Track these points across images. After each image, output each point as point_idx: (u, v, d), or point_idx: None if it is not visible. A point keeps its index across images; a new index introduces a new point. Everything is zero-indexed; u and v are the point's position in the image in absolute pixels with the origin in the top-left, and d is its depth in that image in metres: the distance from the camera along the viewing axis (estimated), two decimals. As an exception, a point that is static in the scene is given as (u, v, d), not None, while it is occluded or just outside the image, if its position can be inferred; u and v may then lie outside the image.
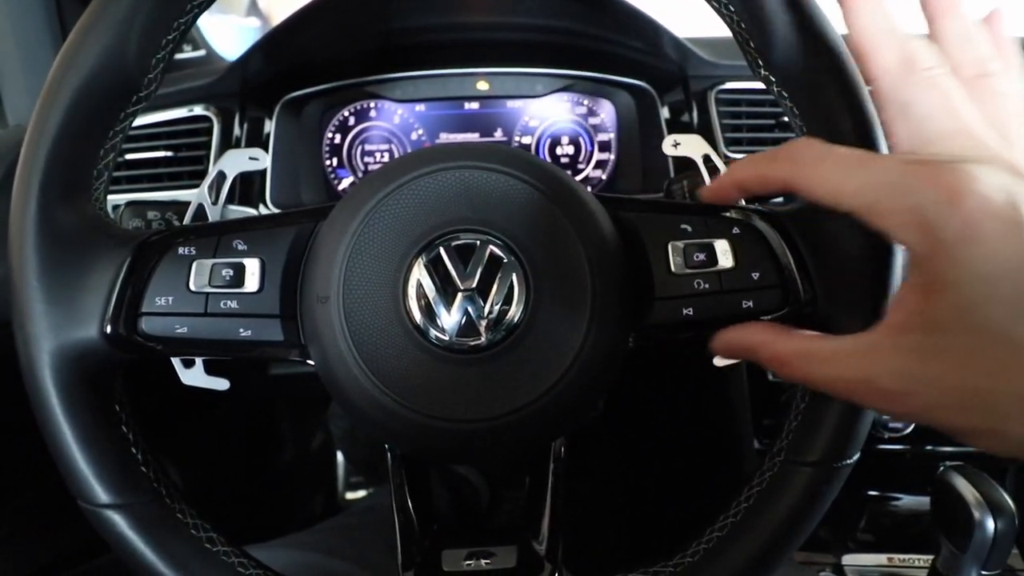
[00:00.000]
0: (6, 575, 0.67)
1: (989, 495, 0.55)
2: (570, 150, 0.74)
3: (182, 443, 0.94)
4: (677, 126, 0.71)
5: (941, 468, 0.61)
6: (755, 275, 0.34)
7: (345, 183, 0.73)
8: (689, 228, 0.35)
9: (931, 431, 0.73)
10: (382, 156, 0.73)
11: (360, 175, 0.73)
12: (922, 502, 0.75)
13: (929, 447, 0.72)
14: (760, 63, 0.35)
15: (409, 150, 0.74)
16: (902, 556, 0.74)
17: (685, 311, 0.34)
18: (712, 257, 0.34)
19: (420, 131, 0.73)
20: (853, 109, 0.33)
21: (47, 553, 0.70)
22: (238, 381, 0.42)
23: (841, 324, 0.34)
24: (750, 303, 0.34)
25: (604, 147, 0.74)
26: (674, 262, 0.35)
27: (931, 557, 0.67)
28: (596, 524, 0.72)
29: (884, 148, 0.34)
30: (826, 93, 0.33)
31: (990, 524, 0.54)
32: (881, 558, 0.74)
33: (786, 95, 0.35)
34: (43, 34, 0.70)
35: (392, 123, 0.73)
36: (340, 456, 1.25)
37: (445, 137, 0.73)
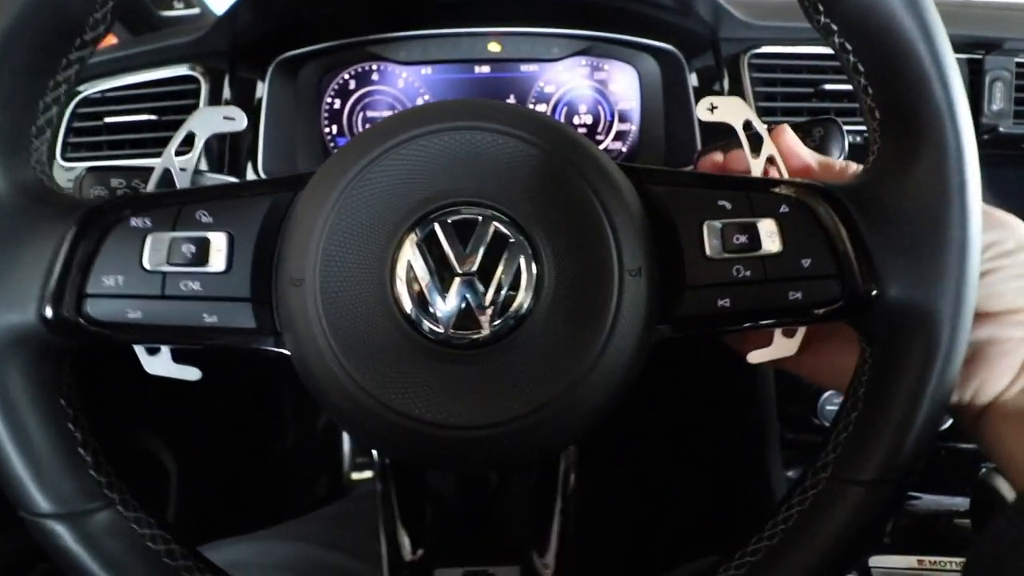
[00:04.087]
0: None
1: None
2: (588, 119, 0.69)
3: (179, 425, 0.91)
4: (706, 95, 0.65)
5: (983, 469, 0.57)
6: (805, 262, 0.29)
7: (345, 152, 0.69)
8: (728, 205, 0.30)
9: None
10: (385, 123, 0.68)
11: (361, 144, 0.68)
12: (956, 503, 0.70)
13: (967, 445, 0.67)
14: (821, 8, 0.29)
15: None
16: (933, 558, 0.70)
17: (721, 302, 0.30)
18: (755, 240, 0.29)
19: (426, 96, 0.68)
20: (940, 70, 0.27)
21: (27, 543, 0.67)
22: (221, 365, 0.37)
23: (906, 323, 0.29)
24: (799, 295, 0.29)
25: (624, 117, 0.69)
26: (710, 244, 0.30)
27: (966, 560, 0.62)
28: (597, 535, 0.67)
29: (968, 118, 0.29)
30: (906, 48, 0.28)
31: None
32: (911, 560, 0.70)
33: (850, 48, 0.29)
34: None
35: (396, 87, 0.67)
36: (345, 436, 1.22)
37: (452, 103, 0.68)
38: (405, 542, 0.33)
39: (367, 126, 0.68)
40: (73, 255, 0.28)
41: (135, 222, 0.29)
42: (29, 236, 0.28)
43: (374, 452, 0.33)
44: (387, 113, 0.68)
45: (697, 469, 0.85)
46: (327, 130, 0.68)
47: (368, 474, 1.25)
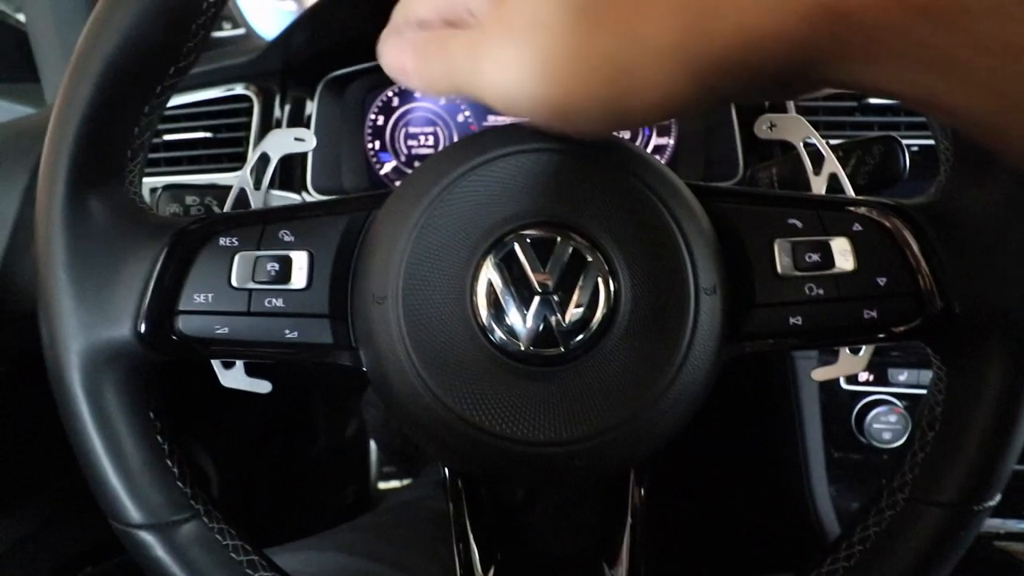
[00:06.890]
0: (35, 572, 0.66)
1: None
2: (625, 133, 0.69)
3: (217, 436, 0.92)
4: (744, 108, 0.65)
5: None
6: (881, 280, 0.29)
7: (387, 167, 0.70)
8: (799, 224, 0.30)
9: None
10: (426, 139, 0.69)
11: (403, 159, 0.69)
12: (1006, 525, 0.68)
13: (1019, 466, 0.65)
14: None
15: (454, 133, 0.69)
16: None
17: (793, 320, 0.30)
18: (828, 258, 0.30)
19: (467, 112, 0.69)
20: None
21: (73, 548, 0.68)
22: (280, 379, 0.38)
23: (986, 341, 0.29)
24: (874, 313, 0.29)
25: (663, 131, 0.69)
26: (781, 263, 0.30)
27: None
28: (653, 547, 0.67)
29: None
30: None
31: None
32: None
33: None
34: (81, 8, 0.67)
35: (437, 104, 0.69)
36: (373, 445, 1.23)
37: (493, 120, 0.69)
38: (476, 559, 0.34)
39: (408, 142, 0.69)
40: (166, 274, 0.29)
41: (224, 242, 0.30)
42: (125, 256, 0.30)
43: (445, 470, 0.34)
44: (428, 129, 0.69)
45: (742, 485, 0.84)
46: (370, 146, 0.69)
47: (395, 484, 1.25)
